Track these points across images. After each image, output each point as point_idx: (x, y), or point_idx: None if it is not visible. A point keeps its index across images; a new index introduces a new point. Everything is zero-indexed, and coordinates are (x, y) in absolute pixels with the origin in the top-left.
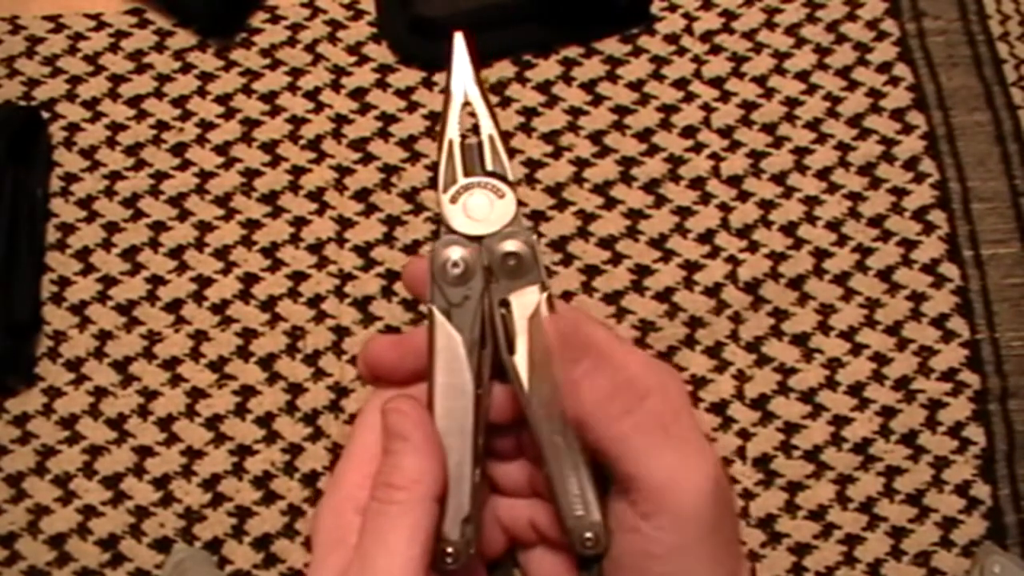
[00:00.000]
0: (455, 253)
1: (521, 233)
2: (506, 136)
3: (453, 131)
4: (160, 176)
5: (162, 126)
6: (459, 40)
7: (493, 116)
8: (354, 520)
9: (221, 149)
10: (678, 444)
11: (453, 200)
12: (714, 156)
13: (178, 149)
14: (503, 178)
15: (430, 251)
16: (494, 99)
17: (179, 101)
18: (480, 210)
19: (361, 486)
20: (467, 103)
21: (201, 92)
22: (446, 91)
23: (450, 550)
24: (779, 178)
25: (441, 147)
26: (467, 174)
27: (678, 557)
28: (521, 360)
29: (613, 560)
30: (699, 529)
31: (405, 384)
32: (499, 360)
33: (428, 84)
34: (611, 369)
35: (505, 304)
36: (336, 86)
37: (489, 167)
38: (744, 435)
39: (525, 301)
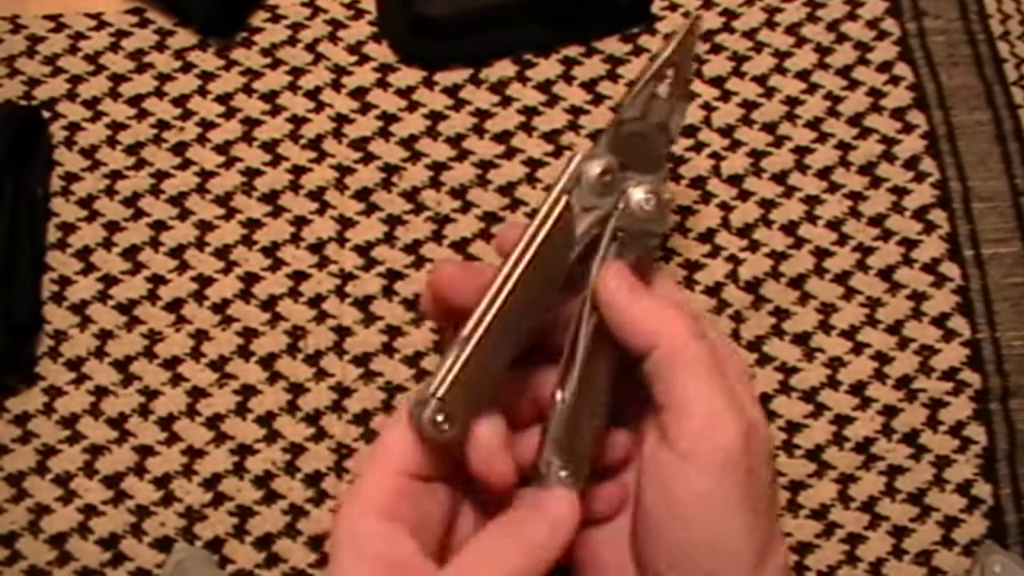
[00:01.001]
0: (607, 165)
1: (660, 182)
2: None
3: (655, 76)
4: (161, 175)
5: (163, 125)
6: (688, 29)
7: (690, 78)
8: (379, 528)
9: (222, 148)
10: (726, 390)
11: (622, 125)
12: (714, 155)
13: (179, 148)
14: (668, 130)
15: (583, 154)
16: (494, 98)
17: (180, 100)
18: (637, 146)
19: (387, 491)
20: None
21: (202, 91)
22: (666, 42)
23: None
24: (780, 177)
25: (640, 81)
26: (643, 116)
27: (702, 506)
28: (579, 357)
29: (635, 503)
30: (728, 480)
31: (465, 311)
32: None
33: (429, 84)
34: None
35: (614, 239)
36: (337, 85)
37: (664, 118)
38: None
39: (636, 247)
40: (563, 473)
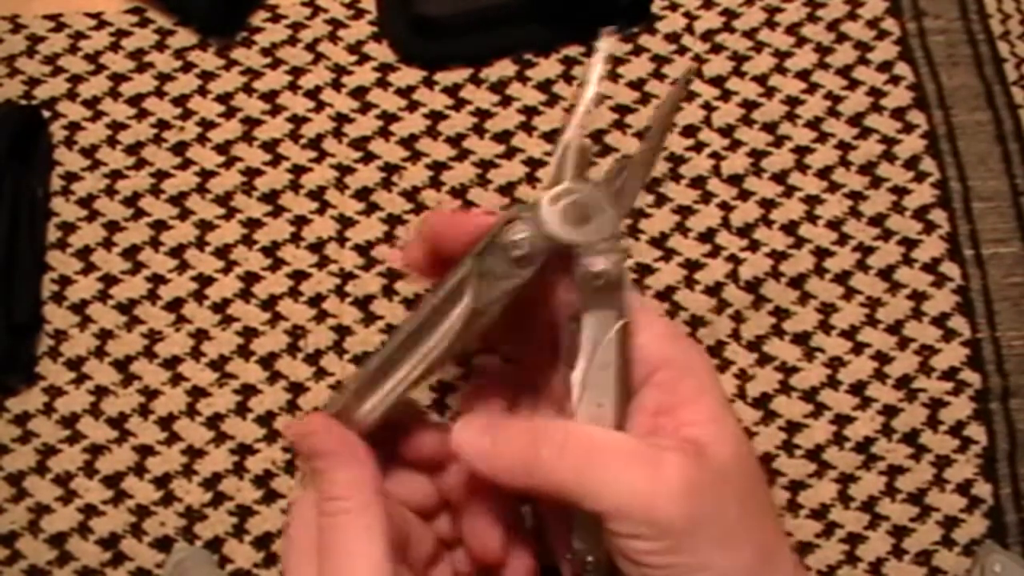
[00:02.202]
0: (526, 235)
1: (614, 253)
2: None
3: (575, 130)
4: (161, 175)
5: (163, 125)
6: (607, 42)
7: (659, 147)
8: None
9: (222, 148)
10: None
11: (553, 201)
12: (715, 155)
13: (179, 148)
14: (607, 188)
15: (507, 217)
16: (494, 98)
17: (180, 100)
18: (579, 218)
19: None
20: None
21: (202, 91)
22: (582, 85)
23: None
24: (780, 177)
25: (558, 145)
26: (576, 178)
27: (667, 555)
28: (578, 377)
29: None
30: (681, 517)
31: (453, 258)
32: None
33: (429, 83)
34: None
35: (576, 320)
36: (337, 85)
37: (619, 184)
38: (746, 434)
39: (599, 323)
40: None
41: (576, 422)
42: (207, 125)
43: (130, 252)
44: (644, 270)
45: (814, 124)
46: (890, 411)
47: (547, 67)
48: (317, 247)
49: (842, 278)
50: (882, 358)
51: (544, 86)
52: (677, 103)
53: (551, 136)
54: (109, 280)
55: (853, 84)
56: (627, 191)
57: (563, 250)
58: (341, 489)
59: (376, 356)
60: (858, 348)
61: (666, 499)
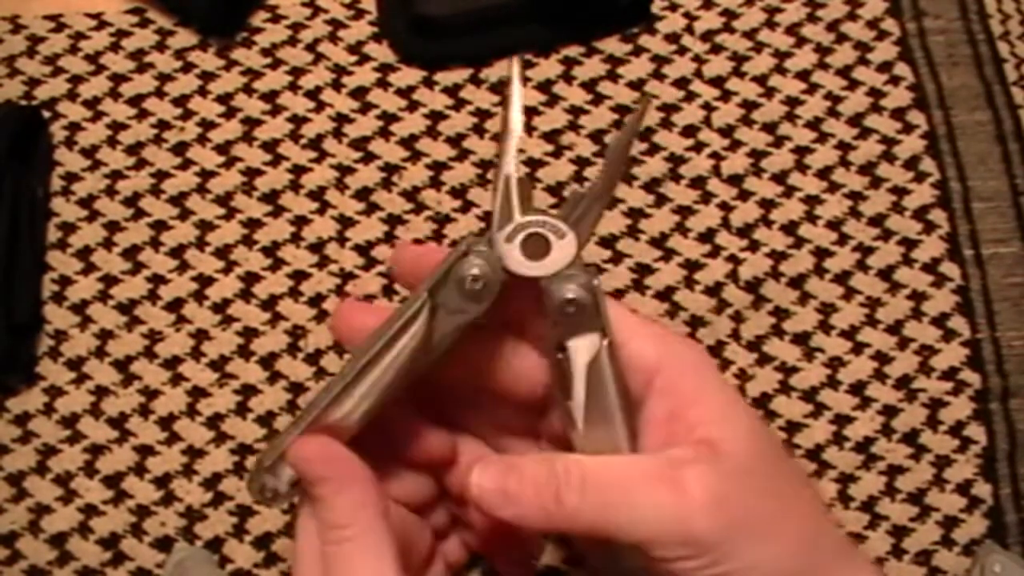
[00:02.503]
0: (480, 269)
1: (581, 276)
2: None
3: (510, 167)
4: (161, 175)
5: (163, 125)
6: (516, 66)
7: (615, 178)
8: None
9: (222, 148)
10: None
11: (509, 239)
12: (715, 155)
13: (179, 148)
14: (563, 217)
15: (463, 248)
16: (494, 98)
17: (180, 100)
18: (538, 252)
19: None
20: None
21: (202, 91)
22: (504, 123)
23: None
24: (780, 177)
25: (497, 184)
26: (524, 212)
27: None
28: (578, 407)
29: None
30: (756, 481)
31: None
32: (416, 373)
33: (429, 83)
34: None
35: (562, 348)
36: (337, 85)
37: (573, 218)
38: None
39: (584, 348)
40: None
41: (588, 453)
42: (207, 125)
43: (130, 252)
44: (644, 270)
45: (814, 124)
46: (890, 411)
47: (547, 67)
48: (317, 247)
49: (842, 278)
50: (882, 358)
51: (544, 86)
52: (634, 132)
53: (551, 136)
54: (109, 280)
55: (853, 84)
56: (585, 220)
57: (525, 283)
58: (342, 516)
59: (325, 392)
60: (858, 348)
61: (697, 516)
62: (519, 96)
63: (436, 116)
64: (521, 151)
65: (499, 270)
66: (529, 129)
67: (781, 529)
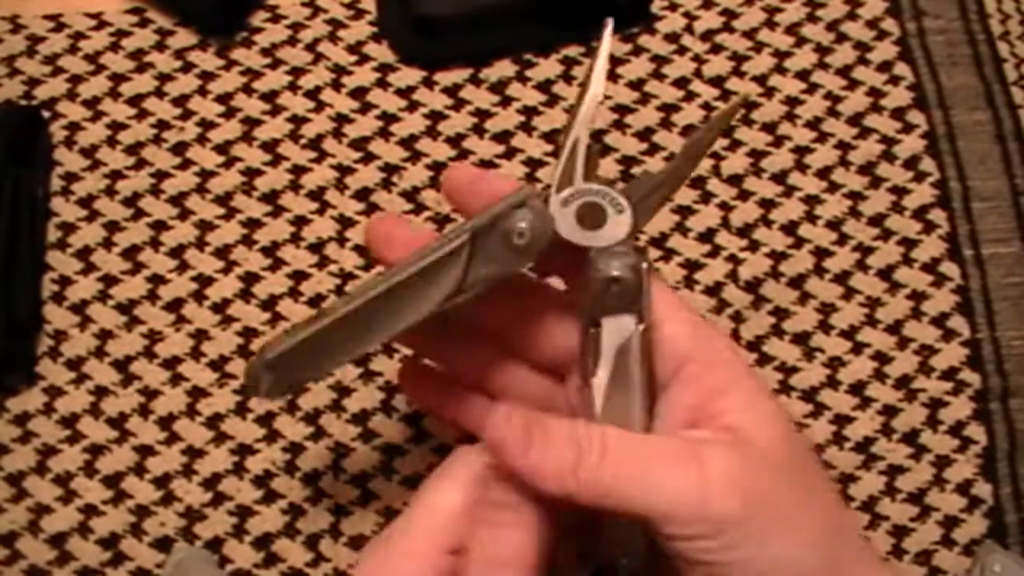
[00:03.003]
0: (529, 225)
1: (630, 256)
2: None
3: (582, 130)
4: (161, 175)
5: (163, 125)
6: (608, 27)
7: (687, 173)
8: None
9: (222, 148)
10: (663, 451)
11: (565, 203)
12: (714, 155)
13: (179, 148)
14: (625, 193)
15: (517, 198)
16: (494, 98)
17: (180, 100)
18: (593, 221)
19: (433, 549)
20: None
21: (202, 91)
22: (584, 84)
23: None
24: (779, 177)
25: (564, 144)
26: (587, 179)
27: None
28: (599, 388)
29: None
30: (779, 472)
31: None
32: (448, 313)
33: (429, 84)
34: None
35: (596, 324)
36: (337, 85)
37: (635, 198)
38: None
39: (618, 329)
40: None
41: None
42: (207, 125)
43: (130, 252)
44: None
45: (814, 124)
46: (890, 411)
47: (547, 67)
48: (317, 247)
49: (842, 278)
50: (882, 358)
51: (544, 86)
52: (720, 128)
53: (551, 136)
54: (109, 280)
55: (853, 84)
56: (646, 203)
57: (572, 249)
58: (508, 553)
59: (344, 301)
60: (858, 348)
61: (716, 494)
62: (606, 57)
63: (436, 116)
64: (553, 141)
65: (549, 230)
66: (529, 129)
67: (802, 521)
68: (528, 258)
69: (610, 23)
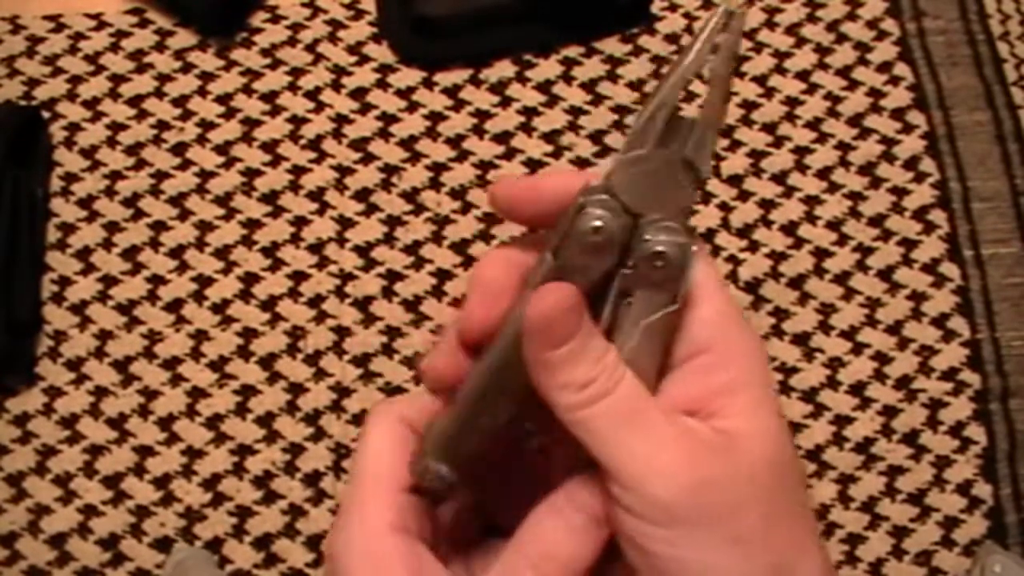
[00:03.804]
0: (603, 220)
1: (682, 234)
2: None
3: (670, 96)
4: (160, 176)
5: (162, 126)
6: (722, 10)
7: (724, 104)
8: (397, 542)
9: (221, 149)
10: (666, 430)
11: (632, 164)
12: (714, 155)
13: (178, 149)
14: (696, 171)
15: (579, 203)
16: (494, 98)
17: (179, 101)
18: (654, 188)
19: (390, 507)
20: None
21: (201, 92)
22: (683, 52)
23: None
24: (779, 177)
25: (647, 106)
26: (659, 146)
27: (679, 548)
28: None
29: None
30: (697, 511)
31: (530, 223)
32: None
33: (429, 84)
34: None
35: (627, 294)
36: (336, 86)
37: (689, 154)
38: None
39: (649, 305)
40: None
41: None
42: (207, 126)
43: (130, 253)
44: None
45: (814, 124)
46: (890, 411)
47: (547, 67)
48: (317, 248)
49: (842, 278)
50: (882, 358)
51: (544, 86)
52: (735, 53)
53: (551, 137)
54: (109, 280)
55: (853, 84)
56: (703, 152)
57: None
58: (592, 370)
59: (462, 397)
60: (858, 348)
61: (677, 480)
62: (713, 35)
63: (436, 117)
64: (689, 85)
65: (621, 214)
66: (529, 130)
67: (760, 547)
68: (612, 253)
69: (725, 8)
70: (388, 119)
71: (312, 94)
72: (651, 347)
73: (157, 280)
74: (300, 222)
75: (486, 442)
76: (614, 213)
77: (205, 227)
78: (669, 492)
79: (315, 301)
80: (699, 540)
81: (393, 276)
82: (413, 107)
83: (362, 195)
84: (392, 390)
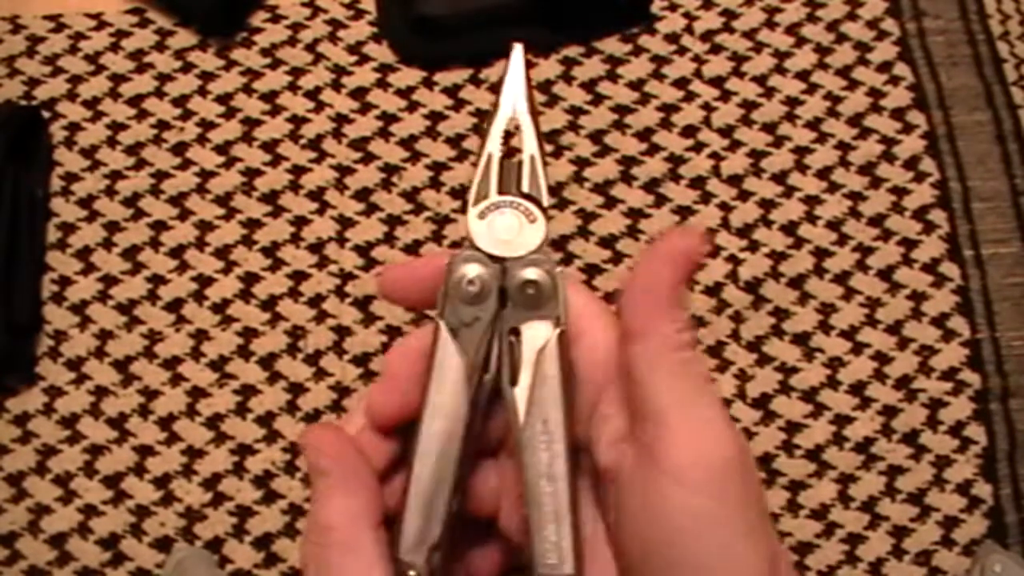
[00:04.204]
0: (473, 271)
1: (546, 262)
2: (546, 161)
3: (495, 145)
4: (161, 175)
5: (163, 125)
6: (517, 52)
7: (539, 137)
8: (381, 534)
9: (222, 148)
10: (715, 402)
11: (481, 216)
12: (714, 155)
13: (179, 148)
14: (537, 202)
15: (447, 263)
16: (493, 99)
17: (180, 100)
18: (508, 231)
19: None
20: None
21: (202, 91)
22: (495, 103)
23: (412, 574)
24: (779, 177)
25: (479, 160)
26: (501, 192)
27: (697, 526)
28: (521, 393)
29: (615, 529)
30: (727, 496)
31: (419, 307)
32: (499, 388)
33: (428, 84)
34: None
35: (515, 332)
36: (337, 86)
37: (525, 188)
38: (746, 434)
39: (536, 334)
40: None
41: (523, 441)
42: (207, 125)
43: (130, 252)
44: None
45: (814, 124)
46: (890, 411)
47: (547, 67)
48: (317, 247)
49: (842, 278)
50: (882, 358)
51: (544, 86)
52: (529, 83)
53: (551, 137)
54: (109, 280)
55: (853, 84)
56: (537, 183)
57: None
58: (334, 518)
59: (412, 485)
60: (858, 348)
61: (725, 450)
62: (517, 77)
63: (436, 116)
64: (510, 134)
65: (488, 263)
66: None
67: (762, 540)
68: (490, 299)
69: (519, 48)
70: (388, 119)
71: (312, 94)
72: (550, 372)
73: (157, 280)
74: (300, 222)
75: (447, 528)
76: (481, 263)
77: (205, 227)
78: (718, 454)
79: (315, 301)
80: (720, 518)
81: None
82: (413, 107)
83: (362, 195)
84: None
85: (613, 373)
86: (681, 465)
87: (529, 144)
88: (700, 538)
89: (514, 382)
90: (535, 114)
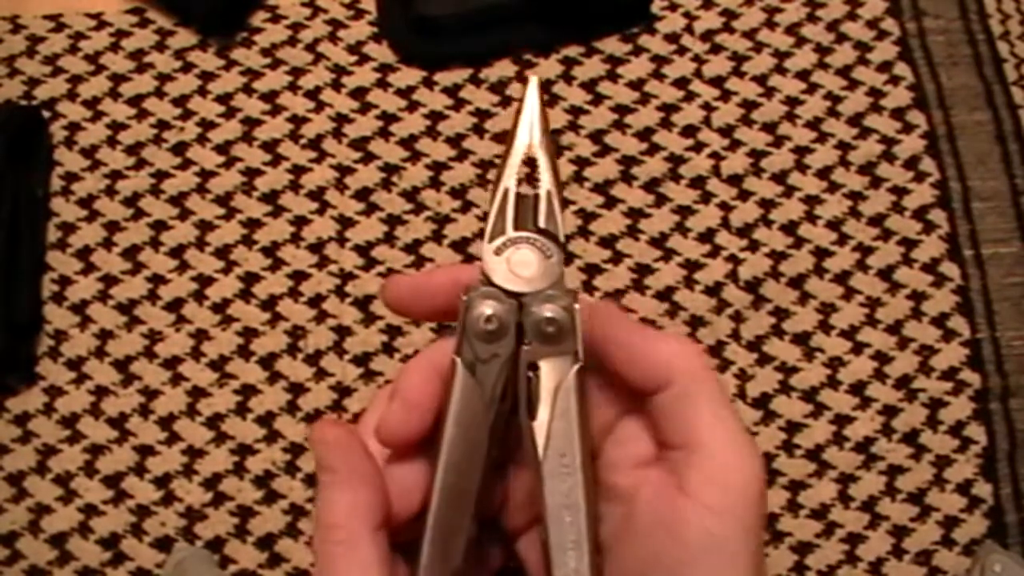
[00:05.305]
0: (490, 308)
1: (563, 298)
2: (563, 195)
3: (510, 180)
4: (161, 175)
5: (163, 125)
6: (533, 86)
7: (555, 171)
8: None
9: (222, 148)
10: (743, 427)
11: (498, 252)
12: (714, 155)
13: (179, 148)
14: (554, 238)
15: (464, 299)
16: (494, 98)
17: (180, 100)
18: (525, 267)
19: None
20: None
21: (202, 91)
22: (510, 136)
23: None
24: (779, 177)
25: (494, 195)
26: (517, 228)
27: (714, 555)
28: (540, 427)
29: (628, 556)
30: (746, 517)
31: (424, 320)
32: (517, 422)
33: (429, 84)
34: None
35: (534, 368)
36: (337, 85)
37: (542, 224)
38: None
39: (555, 369)
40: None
41: (545, 478)
42: (207, 125)
43: (130, 252)
44: (644, 270)
45: (814, 124)
46: (890, 411)
47: (547, 67)
48: (317, 247)
49: (842, 278)
50: (882, 358)
51: (544, 86)
52: (546, 117)
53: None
54: (109, 280)
55: (853, 84)
56: (553, 220)
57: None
58: (338, 516)
59: (430, 516)
60: (858, 348)
61: (753, 467)
62: (532, 111)
63: (436, 116)
64: (520, 171)
65: (505, 300)
66: None
67: (761, 567)
68: (508, 335)
69: (534, 80)
70: (388, 118)
71: (312, 94)
72: (569, 407)
73: (157, 280)
74: (300, 222)
75: (468, 556)
76: (498, 300)
77: (205, 227)
78: (750, 484)
79: (315, 300)
80: (737, 543)
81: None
82: (413, 107)
83: (362, 194)
84: None
85: (628, 401)
86: (713, 493)
87: (545, 179)
88: (714, 560)
89: (532, 415)
90: (551, 147)
